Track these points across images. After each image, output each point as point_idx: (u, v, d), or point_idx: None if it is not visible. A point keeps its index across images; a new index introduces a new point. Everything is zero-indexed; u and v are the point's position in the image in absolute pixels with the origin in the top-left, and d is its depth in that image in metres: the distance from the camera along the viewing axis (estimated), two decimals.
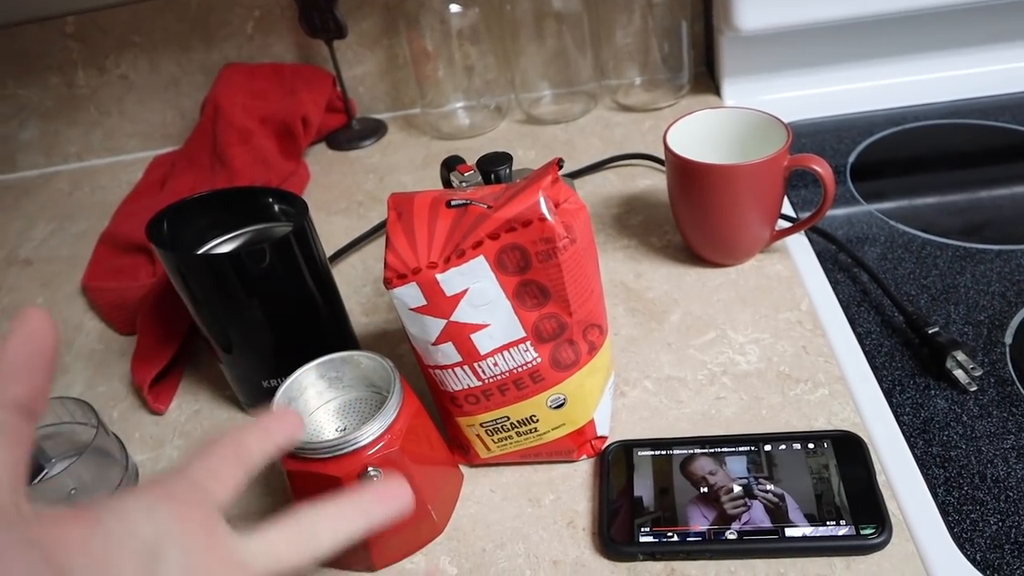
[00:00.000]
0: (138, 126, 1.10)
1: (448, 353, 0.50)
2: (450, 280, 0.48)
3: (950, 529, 0.49)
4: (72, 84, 1.06)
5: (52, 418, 0.64)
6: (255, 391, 0.63)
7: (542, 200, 0.46)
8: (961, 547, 0.48)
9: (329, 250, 0.82)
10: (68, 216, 1.02)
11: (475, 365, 0.51)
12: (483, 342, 0.50)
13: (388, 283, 0.49)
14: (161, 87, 1.07)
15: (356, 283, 0.79)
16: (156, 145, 1.12)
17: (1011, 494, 0.50)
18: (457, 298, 0.48)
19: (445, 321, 0.49)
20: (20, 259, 0.95)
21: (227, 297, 0.57)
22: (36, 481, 0.61)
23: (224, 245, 0.62)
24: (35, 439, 0.34)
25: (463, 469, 0.58)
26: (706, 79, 1.02)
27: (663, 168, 0.87)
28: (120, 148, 1.12)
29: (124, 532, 0.31)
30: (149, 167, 1.06)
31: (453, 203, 0.48)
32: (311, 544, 0.37)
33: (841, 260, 0.71)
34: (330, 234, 0.86)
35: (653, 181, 0.85)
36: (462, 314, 0.49)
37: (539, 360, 0.51)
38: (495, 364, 0.50)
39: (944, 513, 0.50)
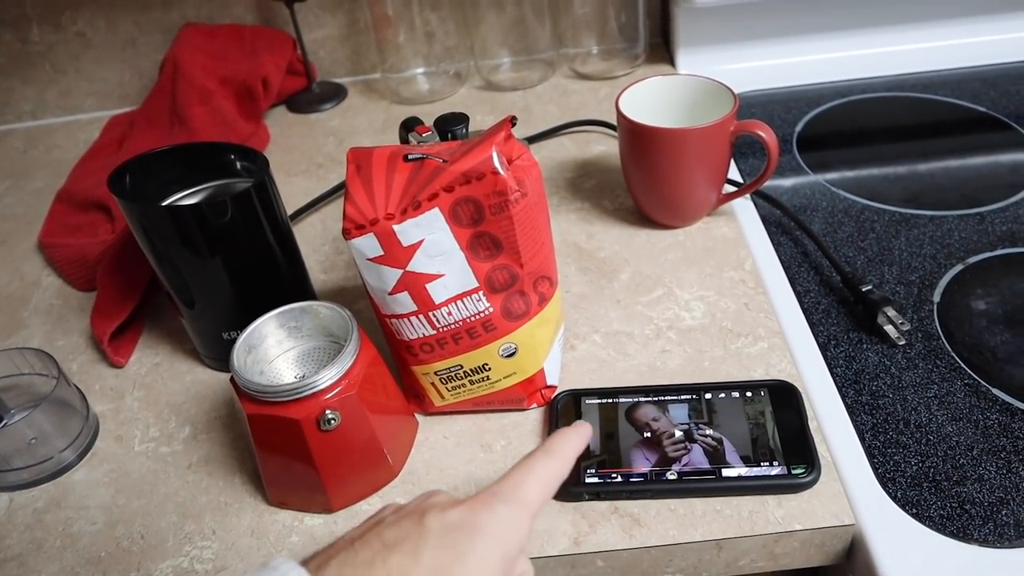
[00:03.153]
0: (95, 85, 1.09)
1: (404, 302, 0.52)
2: (406, 231, 0.49)
3: (875, 470, 0.52)
4: (26, 40, 1.05)
5: (11, 369, 0.65)
6: (216, 343, 0.65)
7: (495, 155, 0.48)
8: (884, 486, 0.51)
9: (289, 210, 0.83)
10: (23, 174, 1.01)
11: (430, 314, 0.53)
12: (438, 292, 0.52)
13: (347, 233, 0.50)
14: (119, 46, 1.06)
15: (315, 242, 0.80)
16: (113, 105, 1.11)
17: (931, 438, 0.54)
18: (413, 248, 0.50)
19: (401, 271, 0.51)
20: None
21: (189, 250, 0.58)
22: None
23: (186, 199, 0.63)
24: None
25: (418, 417, 0.60)
26: (661, 50, 1.05)
27: (617, 134, 0.89)
28: (76, 107, 1.11)
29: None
30: (106, 126, 1.05)
31: (410, 157, 0.50)
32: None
33: (784, 224, 0.74)
34: (290, 195, 0.87)
35: (607, 147, 0.87)
36: (418, 264, 0.50)
37: (491, 310, 0.53)
38: (449, 313, 0.52)
39: (870, 455, 0.53)
